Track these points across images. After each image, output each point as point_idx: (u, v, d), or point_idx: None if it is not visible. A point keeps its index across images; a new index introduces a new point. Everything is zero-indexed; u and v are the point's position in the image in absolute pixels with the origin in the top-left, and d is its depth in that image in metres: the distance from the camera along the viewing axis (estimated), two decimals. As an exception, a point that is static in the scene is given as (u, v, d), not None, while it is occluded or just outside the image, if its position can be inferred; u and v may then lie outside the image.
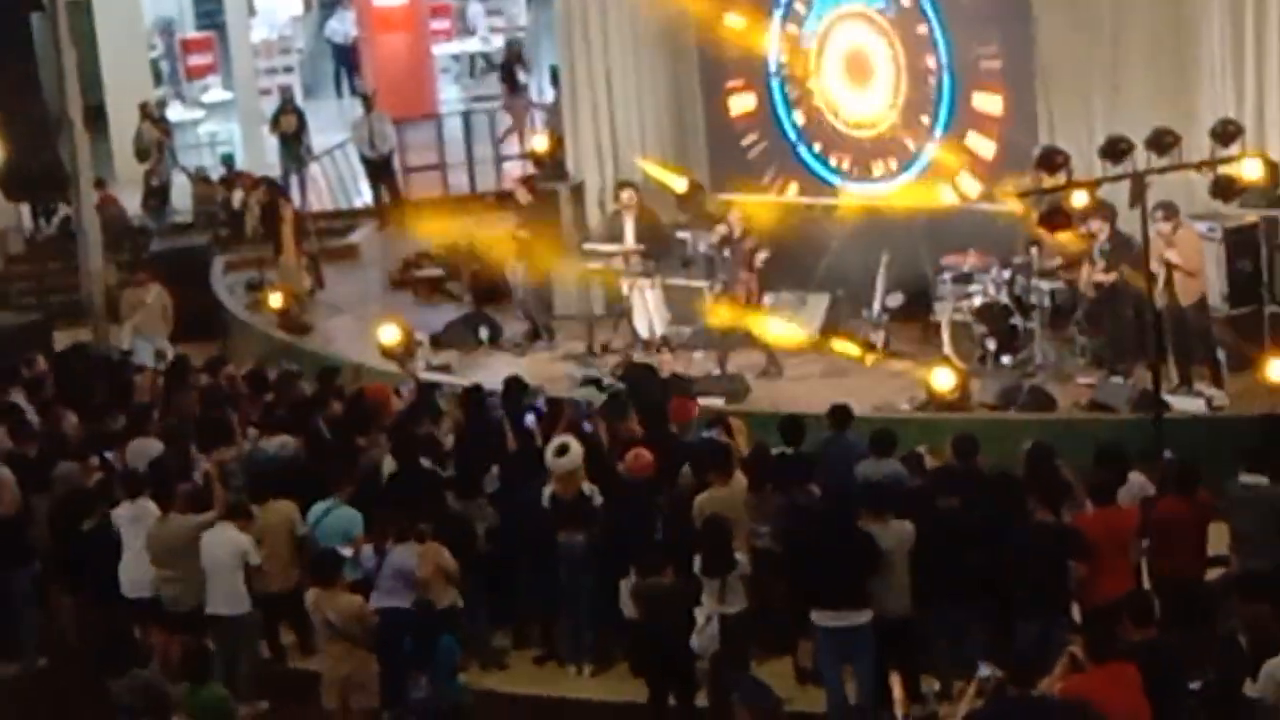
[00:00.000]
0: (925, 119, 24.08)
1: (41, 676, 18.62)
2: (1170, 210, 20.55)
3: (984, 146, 23.56)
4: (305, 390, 21.58)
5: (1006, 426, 19.78)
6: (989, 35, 23.35)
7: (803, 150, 25.30)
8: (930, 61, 23.96)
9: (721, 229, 23.78)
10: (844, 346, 23.43)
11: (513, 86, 35.43)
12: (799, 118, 25.29)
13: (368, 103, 33.29)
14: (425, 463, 18.37)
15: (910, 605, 15.52)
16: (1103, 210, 21.09)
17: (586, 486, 17.33)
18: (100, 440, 20.14)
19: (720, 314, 23.46)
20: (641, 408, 19.06)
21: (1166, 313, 20.59)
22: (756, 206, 24.57)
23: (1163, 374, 19.57)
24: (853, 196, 24.74)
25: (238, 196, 30.42)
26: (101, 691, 15.56)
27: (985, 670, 12.86)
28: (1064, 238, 21.59)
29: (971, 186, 23.57)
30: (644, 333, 24.37)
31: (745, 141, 25.81)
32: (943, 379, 21.25)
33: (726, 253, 23.59)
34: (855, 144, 24.87)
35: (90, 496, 18.64)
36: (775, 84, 25.41)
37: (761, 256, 23.48)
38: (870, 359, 23.15)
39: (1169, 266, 20.54)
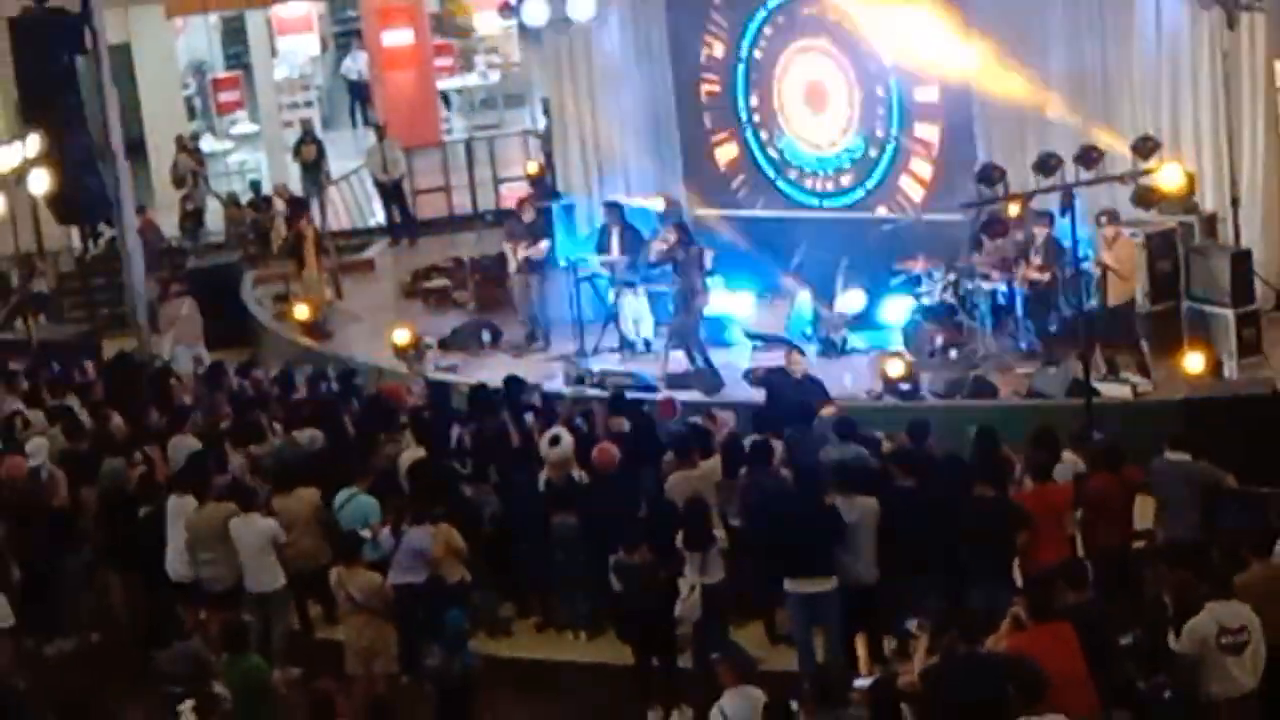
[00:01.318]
0: (880, 135, 24.06)
1: (94, 651, 18.58)
2: (1113, 217, 20.51)
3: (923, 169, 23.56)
4: (330, 390, 21.60)
5: (954, 413, 19.76)
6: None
7: (779, 181, 25.27)
8: (880, 90, 23.95)
9: (659, 245, 23.66)
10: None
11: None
12: (771, 153, 25.26)
13: (380, 132, 33.24)
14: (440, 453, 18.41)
15: (876, 574, 15.49)
16: (1041, 217, 21.13)
17: (576, 473, 17.31)
18: (144, 438, 20.10)
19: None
20: (782, 409, 18.66)
21: (1098, 308, 20.61)
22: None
23: (1093, 364, 19.63)
24: (817, 210, 24.76)
25: (278, 205, 30.24)
26: (148, 663, 15.55)
27: (913, 624, 12.90)
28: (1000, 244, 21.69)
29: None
30: (631, 335, 24.31)
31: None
32: (895, 367, 21.26)
33: (680, 257, 23.32)
34: (819, 164, 24.83)
35: (134, 489, 18.61)
36: (749, 133, 25.37)
37: (709, 256, 23.45)
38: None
39: (1105, 268, 20.53)
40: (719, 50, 25.43)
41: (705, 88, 25.74)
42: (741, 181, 25.61)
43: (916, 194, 23.85)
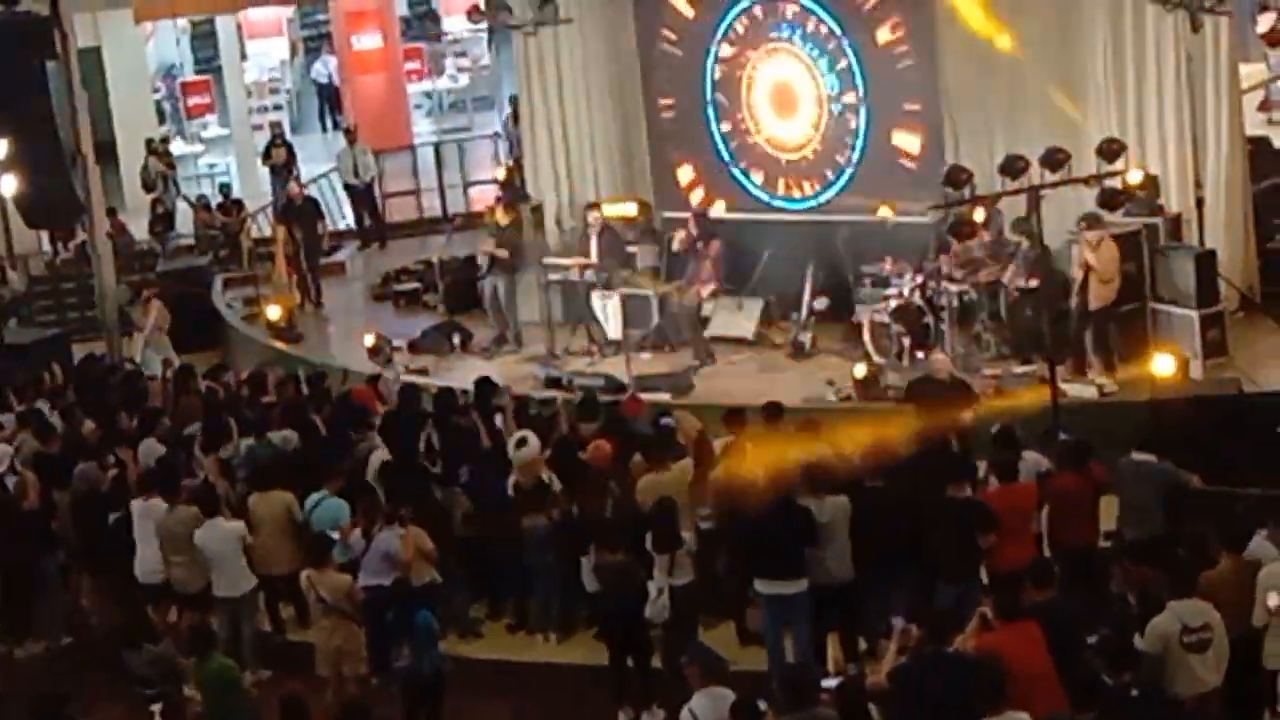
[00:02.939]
0: (848, 140, 24.11)
1: (66, 652, 18.57)
2: (1095, 221, 20.52)
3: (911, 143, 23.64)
4: (300, 392, 21.61)
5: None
6: (902, 69, 23.35)
7: (738, 174, 25.30)
8: (850, 97, 23.99)
9: (682, 234, 24.02)
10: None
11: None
12: (733, 144, 25.30)
13: (350, 136, 33.24)
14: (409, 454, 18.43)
15: (852, 573, 15.53)
16: (1023, 225, 21.05)
17: (545, 474, 17.33)
18: (115, 441, 20.09)
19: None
20: (929, 410, 18.09)
21: (1077, 310, 20.66)
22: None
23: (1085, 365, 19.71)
24: (783, 212, 24.82)
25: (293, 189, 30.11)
26: (120, 665, 15.55)
27: (899, 623, 12.94)
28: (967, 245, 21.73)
29: (885, 212, 23.56)
30: (614, 334, 24.38)
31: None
32: (861, 369, 21.34)
33: (699, 247, 23.83)
34: (784, 166, 24.88)
35: (106, 492, 18.60)
36: (710, 111, 25.41)
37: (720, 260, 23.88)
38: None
39: (1087, 270, 20.56)
40: (685, 51, 25.44)
41: (664, 98, 25.78)
42: (708, 183, 25.61)
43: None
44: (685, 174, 25.83)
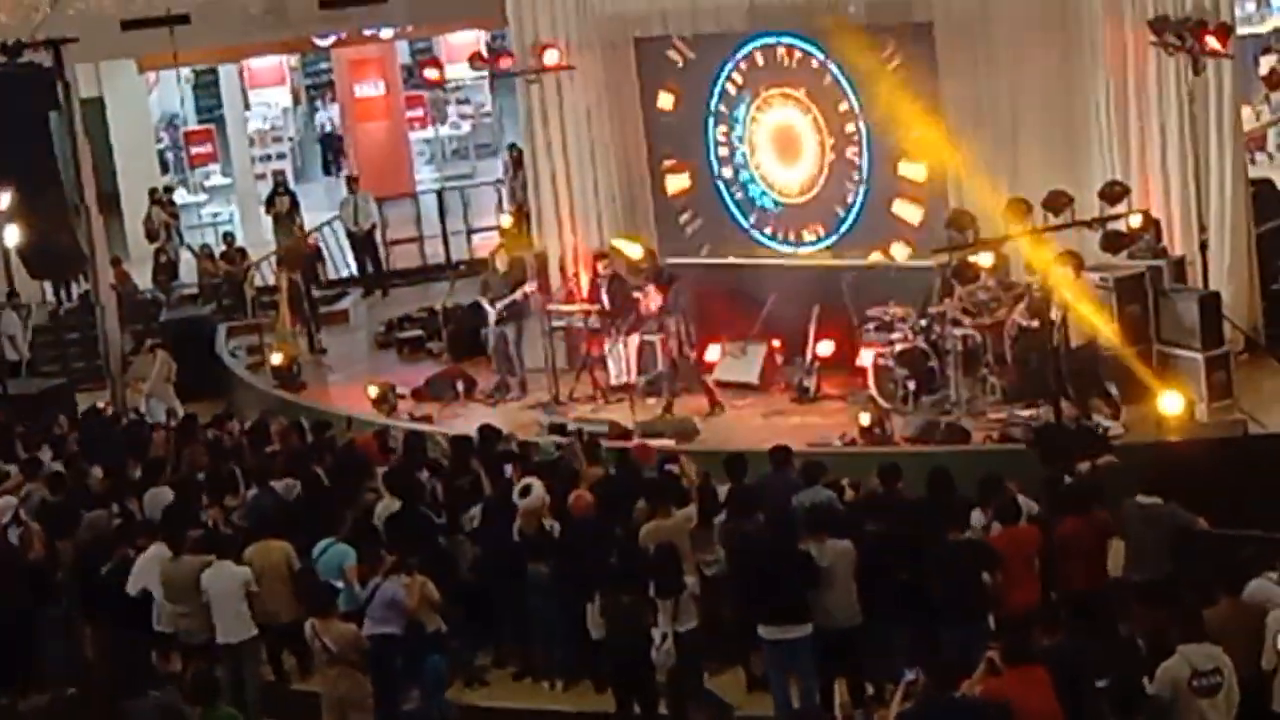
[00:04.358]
0: (850, 186, 24.14)
1: (70, 705, 18.50)
2: (1073, 259, 20.52)
3: (911, 213, 23.60)
4: (303, 442, 21.60)
5: (926, 458, 19.77)
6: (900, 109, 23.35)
7: (742, 221, 25.34)
8: (851, 132, 24.03)
9: (646, 302, 23.99)
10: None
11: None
12: (741, 200, 25.34)
13: (351, 184, 33.31)
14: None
15: (857, 616, 15.48)
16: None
17: (547, 522, 17.31)
18: (120, 490, 20.06)
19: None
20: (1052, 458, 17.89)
21: (1065, 351, 20.67)
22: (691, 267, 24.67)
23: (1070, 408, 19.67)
24: (787, 257, 24.84)
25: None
26: (125, 717, 15.48)
27: (910, 674, 12.86)
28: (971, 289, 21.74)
29: (900, 250, 23.58)
30: (618, 380, 24.39)
31: (682, 219, 25.82)
32: (866, 416, 21.32)
33: (670, 309, 23.75)
34: (789, 212, 24.91)
35: (112, 542, 18.57)
36: (718, 181, 25.47)
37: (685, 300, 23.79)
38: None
39: (1065, 309, 20.57)
40: (686, 99, 25.51)
41: (666, 142, 25.86)
42: (710, 232, 25.64)
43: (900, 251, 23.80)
44: (678, 181, 25.94)
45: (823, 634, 15.35)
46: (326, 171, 42.46)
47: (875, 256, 23.26)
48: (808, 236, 24.73)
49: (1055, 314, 20.58)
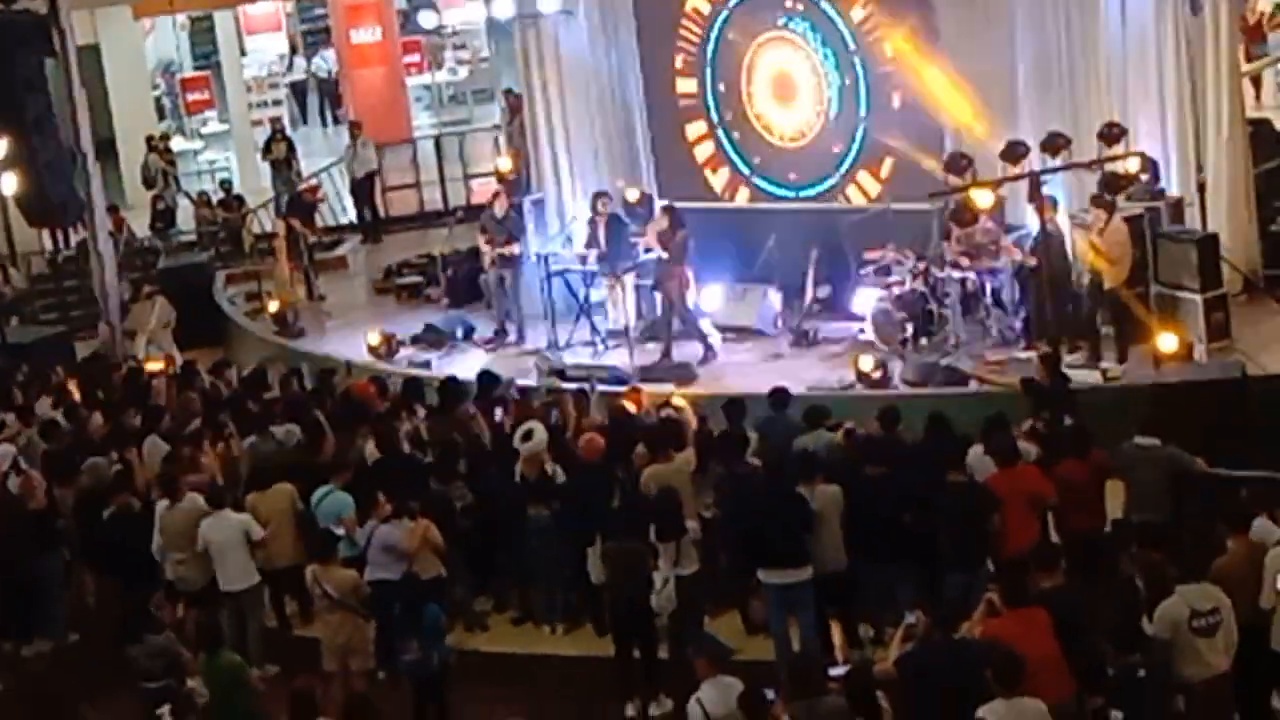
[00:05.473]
0: (850, 124, 24.07)
1: (73, 650, 18.56)
2: (1103, 202, 20.46)
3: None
4: (302, 388, 21.60)
5: (925, 401, 19.79)
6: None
7: (748, 172, 25.27)
8: (848, 79, 23.96)
9: (654, 228, 23.79)
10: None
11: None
12: (738, 138, 25.25)
13: (353, 130, 33.24)
14: (407, 450, 18.38)
15: (845, 560, 15.52)
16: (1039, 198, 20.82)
17: (549, 466, 17.31)
18: (121, 439, 20.07)
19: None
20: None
21: (1088, 292, 20.60)
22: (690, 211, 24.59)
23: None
24: (786, 201, 24.78)
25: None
26: (127, 662, 15.52)
27: (911, 617, 12.88)
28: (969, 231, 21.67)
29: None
30: (618, 325, 24.33)
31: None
32: (866, 362, 21.30)
33: (670, 242, 23.55)
34: (788, 155, 24.84)
35: (109, 489, 18.58)
36: (718, 124, 25.38)
37: (691, 246, 23.60)
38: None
39: (1095, 252, 20.48)
40: (688, 40, 25.43)
41: (676, 81, 25.74)
42: (711, 173, 25.60)
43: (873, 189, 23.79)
44: (702, 149, 25.83)
45: (814, 578, 15.37)
46: (323, 118, 42.40)
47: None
48: (806, 178, 24.61)
49: (1084, 256, 20.44)
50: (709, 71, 25.37)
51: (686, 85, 25.70)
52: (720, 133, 25.45)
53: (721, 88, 25.29)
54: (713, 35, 25.18)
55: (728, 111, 25.32)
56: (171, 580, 17.50)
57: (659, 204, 25.01)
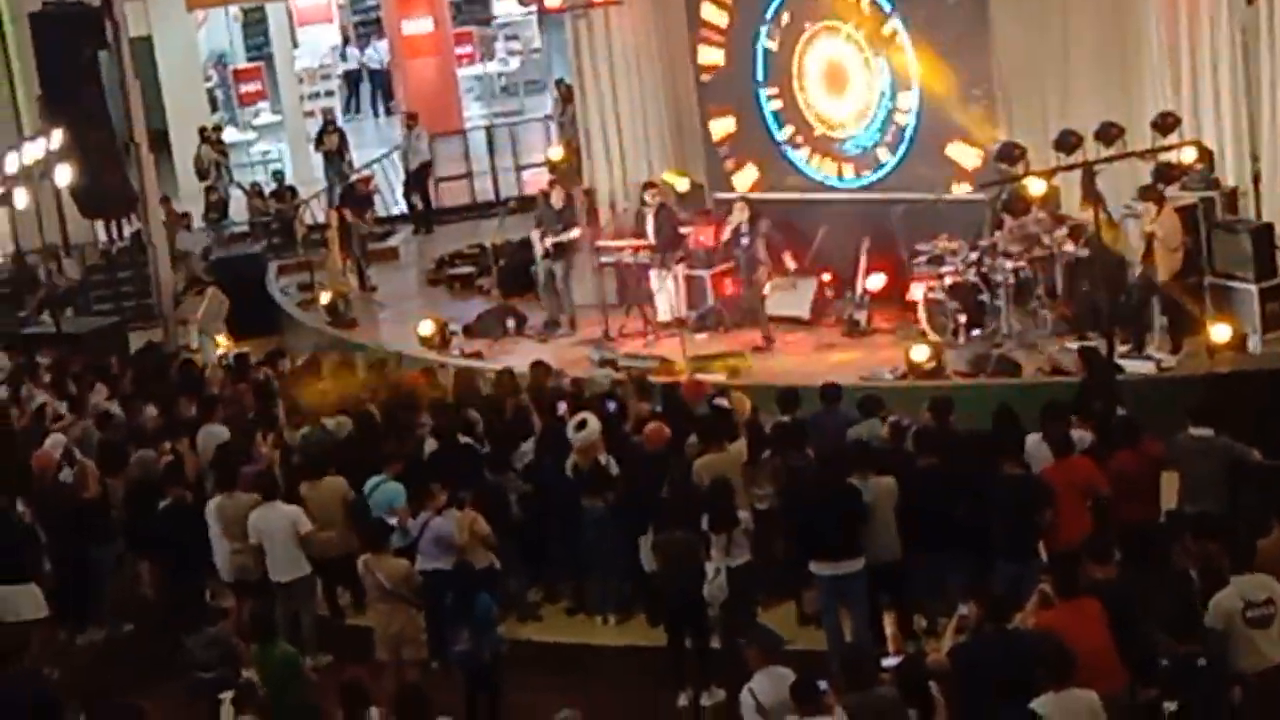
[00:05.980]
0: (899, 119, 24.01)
1: (126, 640, 18.65)
2: (1154, 192, 20.36)
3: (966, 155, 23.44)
4: (356, 378, 21.66)
5: (978, 391, 19.74)
6: (949, 43, 23.19)
7: (790, 155, 25.21)
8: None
9: (733, 219, 23.82)
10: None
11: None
12: (788, 131, 25.18)
13: (408, 121, 33.31)
14: (464, 440, 18.41)
15: (899, 551, 15.53)
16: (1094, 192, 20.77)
17: (603, 457, 17.32)
18: (174, 429, 20.15)
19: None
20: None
21: (1140, 282, 20.52)
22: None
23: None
24: (838, 191, 24.73)
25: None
26: (181, 652, 15.59)
27: (964, 608, 12.86)
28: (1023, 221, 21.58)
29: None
30: (666, 316, 24.35)
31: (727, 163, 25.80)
32: (920, 352, 21.24)
33: (745, 240, 23.66)
34: (838, 145, 24.79)
35: (160, 479, 18.65)
36: (768, 114, 25.34)
37: (775, 236, 23.70)
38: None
39: (1150, 241, 20.41)
40: (735, 31, 25.40)
41: (711, 67, 25.74)
42: (758, 162, 25.57)
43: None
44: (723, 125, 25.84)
45: (867, 568, 15.40)
46: (375, 109, 42.52)
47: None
48: (858, 168, 24.55)
49: (1138, 246, 20.37)
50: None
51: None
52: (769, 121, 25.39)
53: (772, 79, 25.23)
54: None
55: (777, 101, 25.25)
56: (225, 570, 17.58)
57: (710, 197, 25.01)
